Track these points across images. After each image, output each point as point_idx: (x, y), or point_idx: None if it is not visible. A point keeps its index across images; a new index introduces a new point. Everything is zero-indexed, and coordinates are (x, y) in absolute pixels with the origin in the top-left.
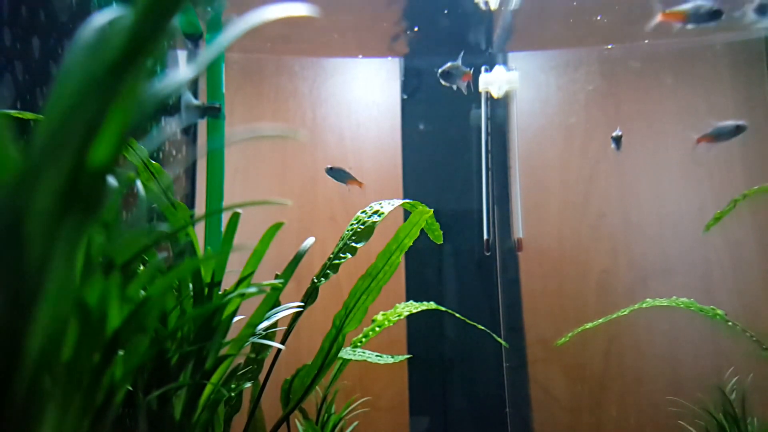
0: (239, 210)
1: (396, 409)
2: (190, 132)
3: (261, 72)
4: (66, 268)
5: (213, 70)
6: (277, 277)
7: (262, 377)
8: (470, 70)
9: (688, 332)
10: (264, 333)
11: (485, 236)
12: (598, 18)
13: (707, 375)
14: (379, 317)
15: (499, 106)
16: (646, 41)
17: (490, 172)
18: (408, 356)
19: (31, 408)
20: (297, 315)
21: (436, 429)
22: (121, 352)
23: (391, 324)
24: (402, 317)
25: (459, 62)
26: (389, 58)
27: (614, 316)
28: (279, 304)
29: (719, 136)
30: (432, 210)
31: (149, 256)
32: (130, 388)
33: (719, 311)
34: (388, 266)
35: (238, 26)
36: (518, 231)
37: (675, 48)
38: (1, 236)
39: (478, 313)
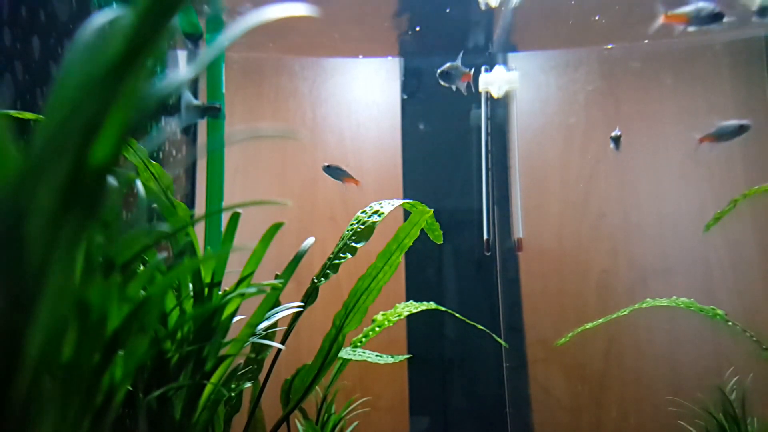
0: (239, 210)
1: (396, 409)
2: (190, 132)
3: (261, 72)
4: (66, 268)
5: (213, 70)
6: (277, 277)
7: (262, 377)
8: (470, 70)
9: (688, 332)
10: (264, 333)
11: (485, 236)
12: (597, 18)
13: (707, 375)
14: (379, 317)
15: (499, 106)
16: (646, 41)
17: (490, 172)
18: (408, 356)
19: (31, 408)
20: (297, 315)
21: (436, 429)
22: (121, 353)
23: (391, 324)
24: (402, 317)
25: (458, 62)
26: (389, 58)
27: (614, 316)
28: (279, 304)
29: (722, 135)
30: (432, 210)
31: (149, 256)
32: (130, 389)
33: (719, 311)
34: (388, 266)
35: (238, 26)
36: (518, 231)
37: (675, 48)
38: (2, 236)
39: (478, 313)
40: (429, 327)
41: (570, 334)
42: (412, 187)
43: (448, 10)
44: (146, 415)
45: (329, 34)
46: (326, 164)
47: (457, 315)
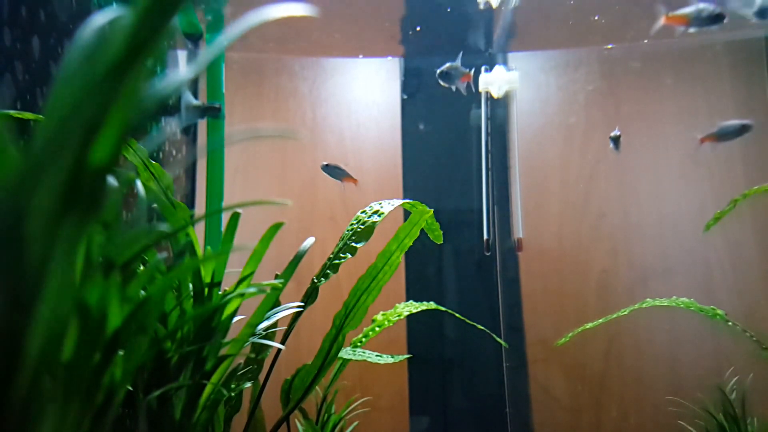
0: (239, 210)
1: (396, 409)
2: (190, 132)
3: (261, 72)
4: (66, 268)
5: (213, 70)
6: (277, 277)
7: (262, 377)
8: (469, 70)
9: (688, 332)
10: (264, 333)
11: (485, 236)
12: (596, 18)
13: (707, 375)
14: (379, 317)
15: (499, 106)
16: (646, 41)
17: (490, 172)
18: (408, 356)
19: (31, 408)
20: (297, 315)
21: (436, 429)
22: (121, 353)
23: (391, 324)
24: (402, 317)
25: (458, 63)
26: (389, 58)
27: (614, 316)
28: (279, 304)
29: (724, 135)
30: (432, 210)
31: (149, 256)
32: (130, 388)
33: (719, 311)
34: (388, 266)
35: (238, 26)
36: (518, 231)
37: (675, 48)
38: (2, 236)
39: (478, 313)
40: (429, 327)
41: (570, 334)
42: (412, 187)
43: (449, 10)
44: (146, 415)
45: (329, 34)
46: (325, 163)
47: (457, 315)
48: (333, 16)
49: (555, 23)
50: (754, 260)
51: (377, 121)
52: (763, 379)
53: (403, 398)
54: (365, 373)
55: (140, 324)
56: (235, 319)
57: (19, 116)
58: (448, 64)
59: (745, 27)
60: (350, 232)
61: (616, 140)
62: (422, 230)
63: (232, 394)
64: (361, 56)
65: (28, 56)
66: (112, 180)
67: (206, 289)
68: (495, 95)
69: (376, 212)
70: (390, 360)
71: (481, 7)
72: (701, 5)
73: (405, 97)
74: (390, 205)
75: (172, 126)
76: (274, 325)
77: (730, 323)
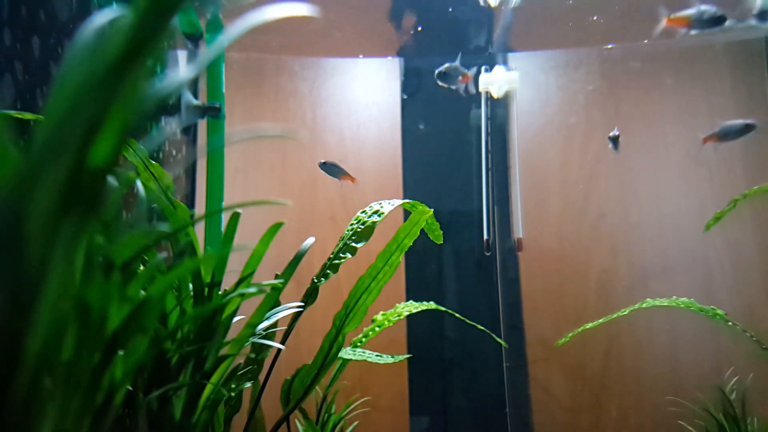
0: (239, 210)
1: (396, 409)
2: (190, 132)
3: (261, 72)
4: (66, 268)
5: (213, 70)
6: (277, 277)
7: (262, 377)
8: (469, 71)
9: (688, 332)
10: (264, 333)
11: (485, 236)
12: (596, 18)
13: (707, 375)
14: (379, 317)
15: (499, 106)
16: (646, 41)
17: (490, 172)
18: (408, 356)
19: (31, 408)
20: (297, 315)
21: (436, 429)
22: (121, 353)
23: (391, 324)
24: (402, 317)
25: (458, 63)
26: (389, 58)
27: (614, 316)
28: (279, 304)
29: (727, 135)
30: (432, 210)
31: (149, 256)
32: (130, 388)
33: (719, 311)
34: (388, 266)
35: (238, 26)
36: (518, 231)
37: (675, 48)
38: (1, 236)
39: (478, 313)
40: (429, 327)
41: (570, 334)
42: (412, 187)
43: (450, 9)
44: (146, 415)
45: (329, 34)
46: (322, 161)
47: (457, 315)
48: (333, 15)
49: (555, 23)
50: (754, 260)
51: (377, 121)
52: (763, 379)
53: (403, 398)
54: (365, 373)
55: (140, 324)
56: (235, 319)
57: (19, 116)
58: (447, 65)
59: (745, 28)
60: (350, 232)
61: (615, 140)
62: (422, 230)
63: (232, 394)
64: (361, 56)
65: (28, 56)
66: (112, 180)
67: (206, 289)
68: (495, 95)
69: (376, 212)
70: (390, 360)
71: (481, 3)
72: (702, 7)
73: (405, 97)
74: (390, 205)
75: (172, 126)
76: (274, 325)
77: (730, 323)
